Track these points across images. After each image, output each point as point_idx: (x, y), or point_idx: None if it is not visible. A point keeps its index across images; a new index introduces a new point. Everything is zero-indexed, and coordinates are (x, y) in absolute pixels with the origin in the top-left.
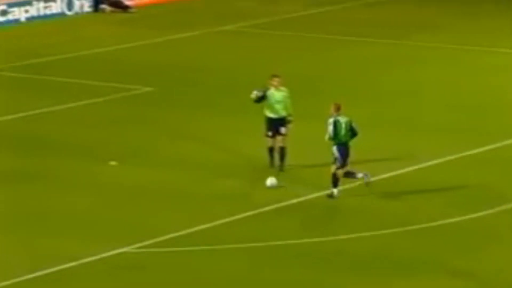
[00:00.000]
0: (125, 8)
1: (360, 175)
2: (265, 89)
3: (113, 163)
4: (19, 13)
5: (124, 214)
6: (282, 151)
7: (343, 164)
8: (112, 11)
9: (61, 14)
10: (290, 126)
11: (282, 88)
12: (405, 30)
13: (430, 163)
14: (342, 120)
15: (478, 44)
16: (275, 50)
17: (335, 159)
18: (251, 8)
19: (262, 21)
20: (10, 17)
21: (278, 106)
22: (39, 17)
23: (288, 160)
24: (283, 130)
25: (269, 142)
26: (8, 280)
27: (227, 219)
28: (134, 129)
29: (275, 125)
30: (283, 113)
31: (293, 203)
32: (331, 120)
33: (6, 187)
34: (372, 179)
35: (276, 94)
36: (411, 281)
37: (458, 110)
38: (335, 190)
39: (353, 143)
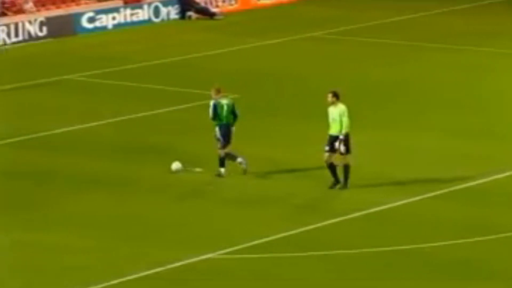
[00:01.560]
0: (211, 15)
1: (239, 159)
2: None
3: (198, 169)
4: (107, 20)
5: (210, 220)
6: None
7: (225, 145)
8: (198, 18)
9: (148, 21)
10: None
11: (338, 104)
12: (487, 37)
13: None
14: (224, 102)
15: None
16: (360, 56)
17: (218, 139)
18: (337, 15)
19: (348, 28)
20: (97, 24)
21: (332, 124)
22: (126, 24)
23: (373, 168)
24: (337, 147)
25: (325, 157)
26: (95, 285)
27: (312, 226)
28: None
29: (331, 142)
30: (338, 132)
31: (376, 210)
32: (211, 103)
33: (94, 192)
34: (246, 166)
35: (331, 111)
36: None
37: None
38: (222, 170)
39: (440, 150)
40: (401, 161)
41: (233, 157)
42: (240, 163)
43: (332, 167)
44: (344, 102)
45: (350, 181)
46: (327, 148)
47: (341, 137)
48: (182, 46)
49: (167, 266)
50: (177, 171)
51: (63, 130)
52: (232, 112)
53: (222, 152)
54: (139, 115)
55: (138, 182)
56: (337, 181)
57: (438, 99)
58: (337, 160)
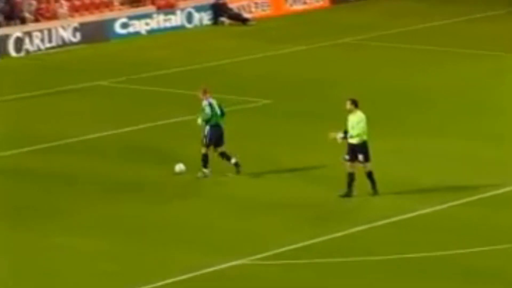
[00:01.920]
0: (244, 20)
1: (205, 170)
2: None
3: (230, 174)
4: (140, 26)
5: (242, 225)
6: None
7: (209, 144)
8: (231, 24)
9: (181, 27)
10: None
11: (356, 112)
12: None
13: None
14: (214, 102)
15: None
16: (391, 63)
17: (204, 137)
18: (368, 21)
19: (379, 34)
20: (131, 29)
21: (351, 131)
22: (159, 29)
23: (401, 175)
24: (359, 157)
25: (347, 166)
26: None
27: (341, 233)
28: (252, 141)
29: (352, 150)
30: (354, 140)
31: (405, 217)
32: (206, 102)
33: (124, 198)
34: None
35: (350, 118)
36: None
37: None
38: (233, 160)
39: (468, 157)
40: (429, 168)
41: (206, 162)
42: (203, 172)
43: (350, 177)
44: (374, 108)
45: (378, 187)
46: (347, 157)
47: (348, 135)
48: (214, 52)
49: (198, 272)
50: (180, 173)
51: (95, 135)
52: (220, 111)
53: (202, 150)
54: (171, 120)
55: (168, 188)
56: (349, 192)
57: (468, 106)
58: (359, 169)
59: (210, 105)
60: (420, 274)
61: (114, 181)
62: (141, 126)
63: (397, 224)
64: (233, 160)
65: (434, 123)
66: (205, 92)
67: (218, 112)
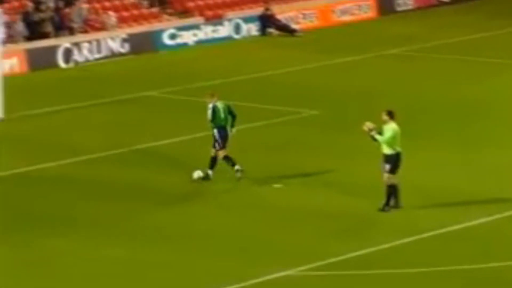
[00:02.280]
0: (292, 31)
1: (236, 167)
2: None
3: (277, 185)
4: (188, 37)
5: (289, 236)
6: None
7: (224, 146)
8: (279, 35)
9: (229, 38)
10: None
11: (390, 123)
12: None
13: None
14: (220, 106)
15: None
16: (438, 74)
17: (216, 141)
18: (415, 32)
19: (427, 45)
20: (179, 41)
21: (380, 137)
22: (207, 40)
23: (450, 186)
24: (386, 167)
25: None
26: None
27: (388, 244)
28: (299, 152)
29: (384, 161)
30: (386, 150)
31: (450, 230)
32: (210, 106)
33: (173, 208)
34: (240, 175)
35: (384, 128)
36: None
37: None
38: (210, 172)
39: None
40: (475, 180)
41: (230, 161)
42: (237, 170)
43: (389, 188)
44: (420, 120)
45: (393, 203)
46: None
47: (376, 133)
48: (262, 62)
49: (244, 282)
50: (198, 179)
51: (143, 146)
52: (230, 113)
53: (221, 154)
54: None
55: (216, 198)
56: (395, 204)
57: None
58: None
59: (214, 109)
60: (469, 286)
61: (163, 191)
62: (186, 138)
63: (442, 237)
64: (209, 171)
65: (481, 135)
66: (212, 95)
67: (222, 116)
